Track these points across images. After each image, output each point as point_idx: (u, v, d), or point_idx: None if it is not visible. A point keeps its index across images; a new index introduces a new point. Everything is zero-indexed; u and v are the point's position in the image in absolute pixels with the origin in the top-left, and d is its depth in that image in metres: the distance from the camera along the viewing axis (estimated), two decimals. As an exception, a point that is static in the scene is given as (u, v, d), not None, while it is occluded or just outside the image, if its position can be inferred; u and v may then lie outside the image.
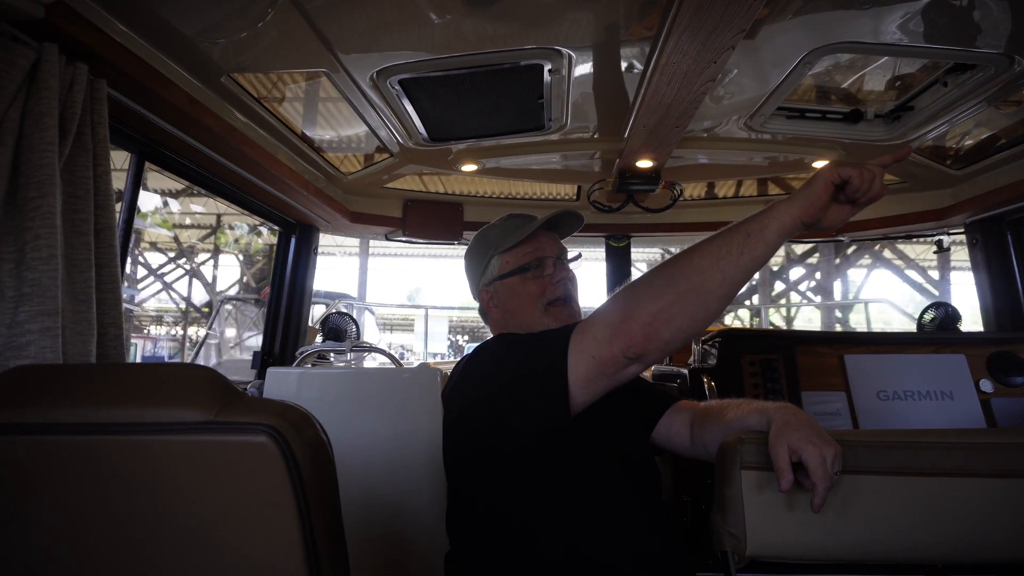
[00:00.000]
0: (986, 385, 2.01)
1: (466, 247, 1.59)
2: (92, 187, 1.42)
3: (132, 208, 1.86)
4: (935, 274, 11.75)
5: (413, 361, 8.56)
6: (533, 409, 1.12)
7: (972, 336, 2.29)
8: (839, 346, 2.13)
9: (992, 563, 1.19)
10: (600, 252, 3.63)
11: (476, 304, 1.56)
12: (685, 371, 2.22)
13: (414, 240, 3.38)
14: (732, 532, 1.10)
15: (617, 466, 1.26)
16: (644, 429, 1.47)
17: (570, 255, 1.53)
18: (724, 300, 1.04)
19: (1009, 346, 2.08)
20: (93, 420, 0.87)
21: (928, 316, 2.74)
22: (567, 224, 1.54)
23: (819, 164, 2.65)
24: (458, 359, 1.59)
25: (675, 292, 1.02)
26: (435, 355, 11.66)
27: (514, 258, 1.45)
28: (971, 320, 3.07)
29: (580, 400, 1.10)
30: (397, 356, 3.22)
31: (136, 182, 1.88)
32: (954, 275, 11.32)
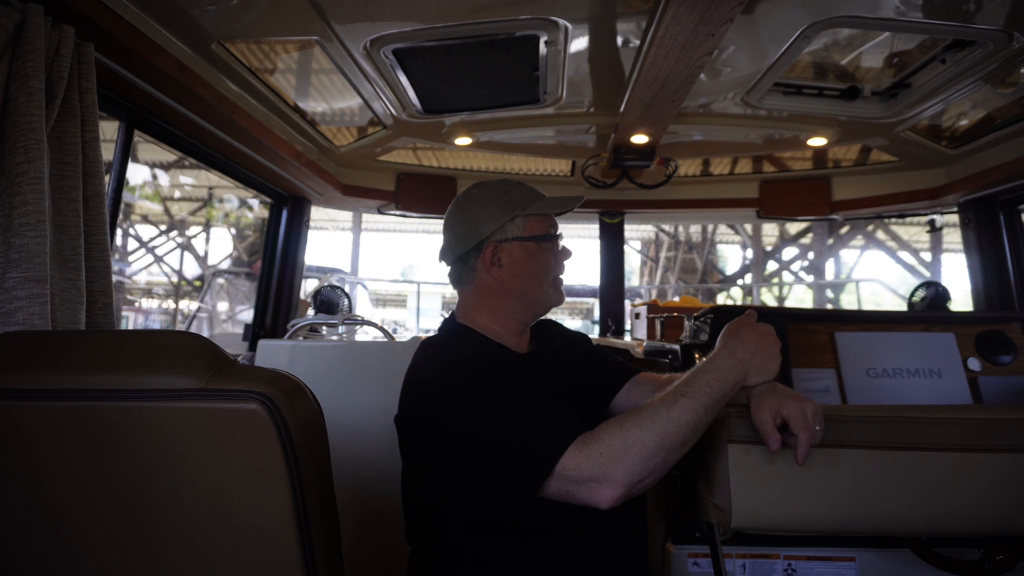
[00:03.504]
0: (974, 363, 2.02)
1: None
2: (80, 153, 1.40)
3: (122, 177, 1.84)
4: (927, 256, 11.80)
5: (405, 336, 8.57)
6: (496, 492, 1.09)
7: (961, 315, 2.30)
8: (830, 324, 2.14)
9: (973, 535, 1.21)
10: (594, 228, 3.63)
11: None
12: (677, 347, 2.23)
13: (407, 214, 3.36)
14: (718, 504, 1.11)
15: None
16: (600, 401, 1.48)
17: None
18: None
19: (998, 325, 2.09)
20: (83, 386, 0.87)
21: (919, 295, 2.75)
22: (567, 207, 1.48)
23: (814, 141, 2.63)
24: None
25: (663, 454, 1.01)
26: (427, 331, 11.66)
27: (538, 225, 1.38)
28: (962, 303, 3.09)
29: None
30: (390, 331, 3.22)
31: (126, 150, 1.86)
32: (945, 257, 11.39)
